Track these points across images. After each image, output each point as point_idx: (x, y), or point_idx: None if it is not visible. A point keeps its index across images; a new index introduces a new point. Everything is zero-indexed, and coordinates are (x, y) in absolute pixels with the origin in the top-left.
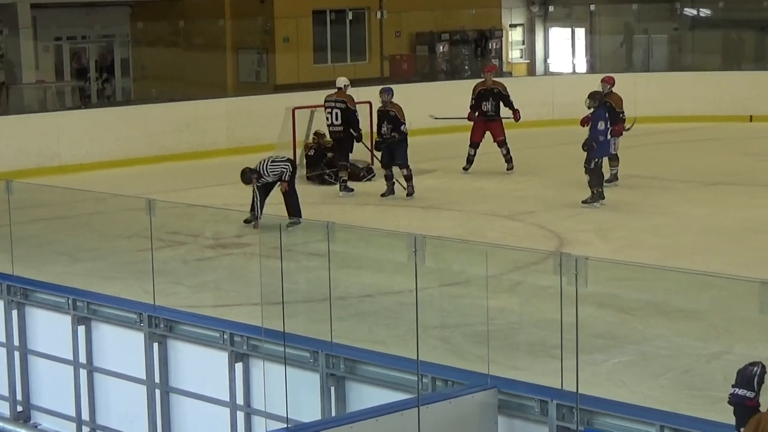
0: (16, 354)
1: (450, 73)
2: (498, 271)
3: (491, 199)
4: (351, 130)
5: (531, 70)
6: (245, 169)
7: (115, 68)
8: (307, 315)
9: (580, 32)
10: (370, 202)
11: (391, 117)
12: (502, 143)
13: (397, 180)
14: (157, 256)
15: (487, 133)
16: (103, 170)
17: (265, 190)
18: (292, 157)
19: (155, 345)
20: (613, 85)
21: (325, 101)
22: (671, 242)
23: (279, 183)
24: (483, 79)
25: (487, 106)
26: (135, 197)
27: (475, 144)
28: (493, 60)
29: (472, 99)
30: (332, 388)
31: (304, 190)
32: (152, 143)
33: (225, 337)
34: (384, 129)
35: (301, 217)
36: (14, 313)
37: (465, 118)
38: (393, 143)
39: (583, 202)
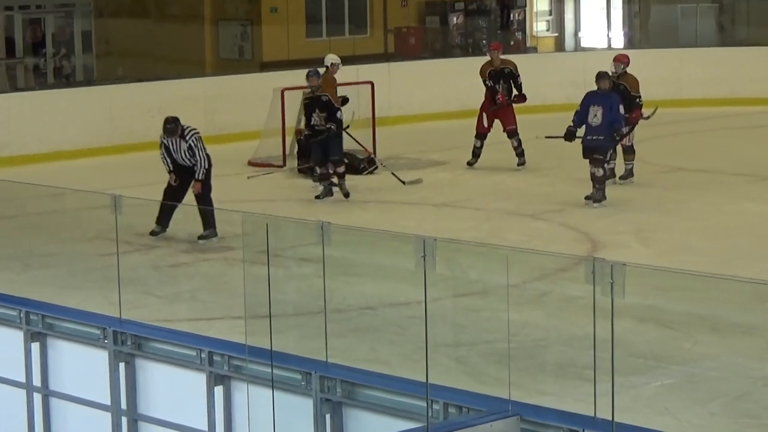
0: None
1: (465, 48)
2: (521, 280)
3: (513, 195)
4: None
5: (560, 45)
6: (172, 119)
7: (75, 43)
8: (298, 330)
9: (617, 1)
10: (371, 198)
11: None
12: (512, 133)
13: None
14: (124, 262)
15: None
16: (61, 162)
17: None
18: (283, 147)
19: (121, 365)
20: (628, 65)
21: (304, 99)
22: (724, 246)
23: (192, 182)
24: (489, 59)
25: (497, 87)
26: (98, 193)
27: (481, 135)
28: (516, 33)
29: (487, 81)
30: (327, 416)
31: (296, 184)
32: (118, 130)
33: (203, 356)
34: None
35: (215, 229)
36: None
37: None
38: (327, 136)
39: (588, 198)
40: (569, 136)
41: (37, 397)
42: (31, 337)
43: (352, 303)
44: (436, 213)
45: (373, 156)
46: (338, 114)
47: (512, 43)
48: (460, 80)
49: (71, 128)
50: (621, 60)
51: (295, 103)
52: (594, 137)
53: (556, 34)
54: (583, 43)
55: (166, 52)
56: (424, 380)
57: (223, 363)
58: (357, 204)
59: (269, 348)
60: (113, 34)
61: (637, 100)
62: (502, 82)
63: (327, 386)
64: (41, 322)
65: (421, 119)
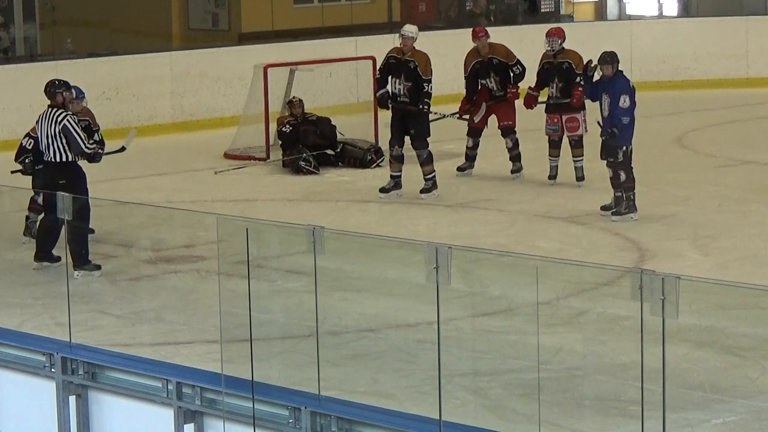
0: None
1: (487, 16)
2: (553, 296)
3: (544, 194)
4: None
5: (600, 13)
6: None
7: (14, 11)
8: (285, 357)
9: None
10: (373, 198)
11: (411, 70)
12: (508, 131)
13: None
14: (74, 274)
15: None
16: None
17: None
18: (267, 136)
19: (71, 399)
20: (564, 39)
21: (388, 58)
22: None
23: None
24: (474, 47)
25: (489, 83)
26: (42, 191)
27: (475, 132)
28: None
29: (466, 78)
30: None
31: (280, 181)
32: None
33: (170, 387)
34: (398, 87)
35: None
36: None
37: (457, 114)
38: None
39: (604, 207)
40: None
41: None
42: None
43: (350, 324)
44: (450, 215)
45: (379, 146)
46: (425, 87)
47: (545, 10)
48: None
49: (10, 113)
50: (557, 34)
51: (280, 82)
52: (604, 132)
53: (596, 0)
54: (629, 10)
55: (125, 22)
56: (437, 417)
57: (194, 396)
58: (355, 204)
59: (250, 378)
60: (60, 0)
61: (578, 79)
62: (493, 75)
63: (320, 424)
64: None
65: (432, 102)
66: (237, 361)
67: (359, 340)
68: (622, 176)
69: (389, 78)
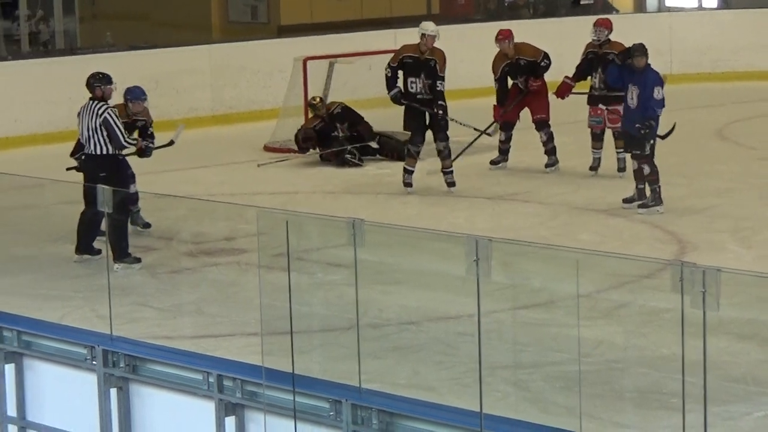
0: None
1: (527, 8)
2: (594, 289)
3: (585, 185)
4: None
5: (640, 5)
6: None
7: (54, 3)
8: (325, 350)
9: None
10: (414, 190)
11: (430, 68)
12: (542, 123)
13: None
14: (114, 267)
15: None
16: (38, 146)
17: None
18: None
19: (113, 391)
20: (611, 31)
21: (403, 58)
22: None
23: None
24: (499, 50)
25: (520, 83)
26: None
27: (507, 126)
28: None
29: (496, 80)
30: None
31: (321, 173)
32: None
33: (211, 380)
34: (417, 86)
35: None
36: None
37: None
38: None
39: (626, 200)
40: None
41: (12, 430)
42: (5, 357)
43: (391, 317)
44: (491, 208)
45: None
46: (439, 85)
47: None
48: None
49: (50, 106)
50: (604, 25)
51: (319, 75)
52: (630, 123)
53: None
54: (668, 2)
55: (165, 14)
56: (478, 409)
57: (235, 389)
58: (395, 197)
59: (290, 371)
60: None
61: None
62: (518, 75)
63: (360, 417)
64: (16, 339)
65: (471, 94)
66: (277, 354)
67: (400, 332)
68: (646, 169)
69: (404, 77)
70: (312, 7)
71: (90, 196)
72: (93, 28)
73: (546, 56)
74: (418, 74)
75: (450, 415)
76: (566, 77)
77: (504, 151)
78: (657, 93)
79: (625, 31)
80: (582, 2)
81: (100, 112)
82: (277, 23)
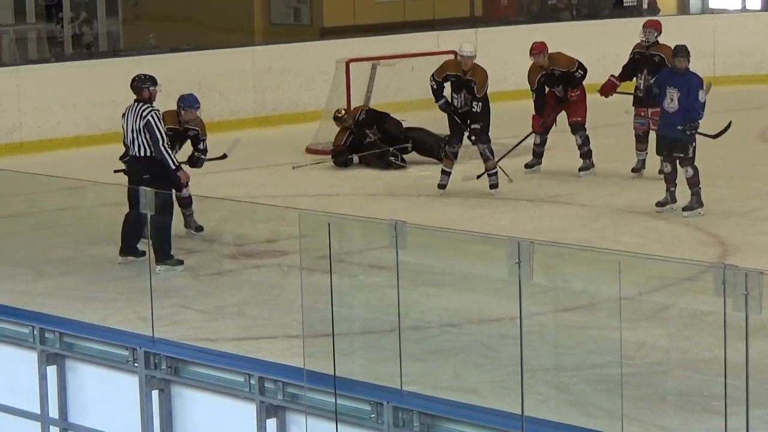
0: None
1: (569, 10)
2: (636, 291)
3: (627, 187)
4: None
5: (683, 7)
6: (144, 77)
7: (97, 6)
8: (367, 352)
9: None
10: (456, 192)
11: (469, 85)
12: (578, 127)
13: None
14: (157, 269)
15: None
16: (81, 148)
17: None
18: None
19: (154, 393)
20: (660, 32)
21: (447, 76)
22: None
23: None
24: (533, 62)
25: (557, 92)
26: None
27: (543, 130)
28: None
29: (533, 91)
30: None
31: (362, 176)
32: None
33: (252, 382)
34: (459, 100)
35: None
36: None
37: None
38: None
39: (660, 204)
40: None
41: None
42: (47, 359)
43: (432, 319)
44: (533, 210)
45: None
46: (476, 106)
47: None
48: (562, 50)
49: (93, 108)
50: (653, 26)
51: (362, 77)
52: (669, 127)
53: None
54: (712, 4)
55: (207, 17)
56: (519, 412)
57: (276, 391)
58: (437, 199)
59: (332, 373)
60: None
61: None
62: (554, 85)
63: (402, 419)
64: (58, 341)
65: (514, 96)
66: (319, 356)
67: (441, 335)
68: (689, 172)
69: (450, 90)
70: (355, 9)
71: (134, 198)
72: (136, 30)
73: (580, 66)
74: (460, 91)
75: (491, 417)
76: (612, 76)
77: (538, 154)
78: (701, 96)
79: (668, 33)
80: (625, 3)
81: (144, 114)
82: (320, 25)
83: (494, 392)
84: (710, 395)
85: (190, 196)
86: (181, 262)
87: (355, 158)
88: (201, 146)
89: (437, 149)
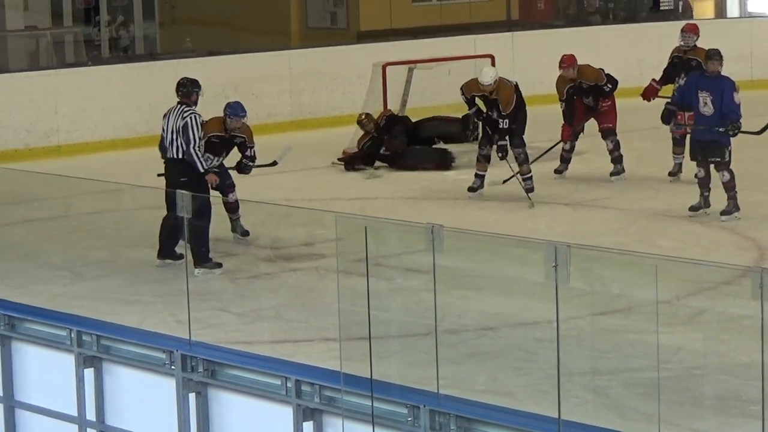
0: None
1: (606, 14)
2: (673, 295)
3: (664, 191)
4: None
5: (721, 11)
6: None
7: (134, 9)
8: (403, 355)
9: None
10: (492, 196)
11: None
12: (608, 132)
13: None
14: (194, 272)
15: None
16: (118, 151)
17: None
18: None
19: (191, 396)
20: (699, 36)
21: (473, 96)
22: None
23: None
24: (560, 73)
25: (586, 101)
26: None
27: (572, 134)
28: None
29: (561, 101)
30: None
31: (399, 179)
32: None
33: (289, 385)
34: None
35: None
36: None
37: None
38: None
39: (693, 208)
40: (667, 116)
41: None
42: (84, 361)
43: (469, 323)
44: (570, 214)
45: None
46: (502, 123)
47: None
48: (598, 53)
49: (130, 111)
50: (692, 30)
51: (398, 80)
52: (704, 131)
53: None
54: (750, 8)
55: (244, 20)
56: (556, 416)
57: (313, 394)
58: (474, 203)
59: (369, 376)
60: None
61: None
62: (583, 96)
63: (439, 422)
64: (96, 344)
65: (551, 100)
66: (356, 359)
67: (478, 338)
68: (726, 176)
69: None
70: (391, 12)
71: (171, 201)
72: (173, 34)
73: (609, 79)
74: (490, 108)
75: (528, 421)
76: (653, 80)
77: (567, 159)
78: (736, 97)
79: (706, 37)
80: (662, 7)
81: (185, 115)
82: (357, 29)
83: (531, 395)
84: (747, 399)
85: (236, 201)
86: (219, 265)
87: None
88: (249, 153)
89: (462, 131)
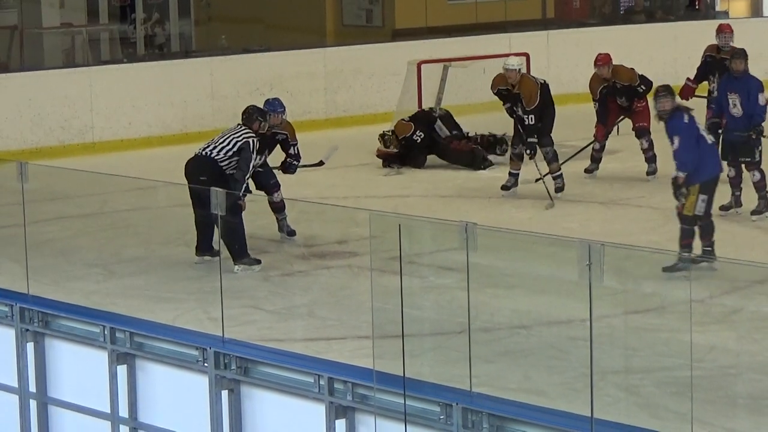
0: (32, 404)
1: (641, 12)
2: (707, 294)
3: None
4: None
5: (756, 9)
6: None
7: (169, 6)
8: (436, 353)
9: None
10: (527, 194)
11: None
12: (643, 131)
13: None
14: (228, 270)
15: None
16: (153, 149)
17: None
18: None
19: (224, 393)
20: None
21: (498, 90)
22: None
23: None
24: (595, 73)
25: (620, 102)
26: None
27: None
28: None
29: (595, 101)
30: None
31: (433, 177)
32: (221, 111)
33: (322, 383)
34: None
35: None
36: (29, 347)
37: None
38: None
39: (723, 208)
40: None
41: (124, 430)
42: (117, 358)
43: (502, 321)
44: (604, 212)
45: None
46: (527, 119)
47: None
48: (633, 52)
49: (165, 108)
50: (728, 30)
51: (433, 79)
52: (735, 132)
53: None
54: None
55: (279, 18)
56: (589, 414)
57: (346, 392)
58: (508, 201)
59: (401, 374)
60: None
61: None
62: (616, 97)
63: (471, 420)
64: (129, 340)
65: (587, 99)
66: (388, 357)
67: (511, 336)
68: (756, 176)
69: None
70: (426, 10)
71: (196, 198)
72: (208, 31)
73: (643, 81)
74: (515, 103)
75: (560, 419)
76: (688, 79)
77: (597, 159)
78: (761, 99)
79: (740, 36)
80: (697, 6)
81: (245, 135)
82: (392, 27)
83: (563, 394)
84: None
85: (282, 201)
86: (258, 262)
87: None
88: (292, 151)
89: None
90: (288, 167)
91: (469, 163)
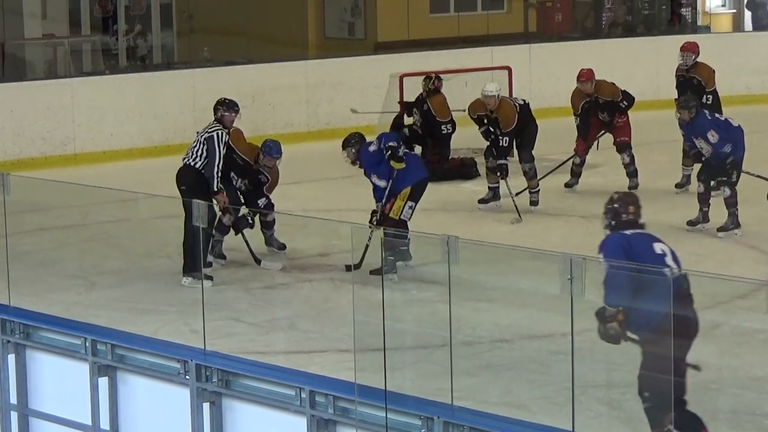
0: (13, 416)
1: (623, 26)
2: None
3: (680, 205)
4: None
5: (737, 24)
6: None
7: (152, 18)
8: (418, 367)
9: None
10: (508, 208)
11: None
12: (624, 146)
13: None
14: (209, 282)
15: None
16: (134, 161)
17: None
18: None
19: (206, 406)
20: (698, 54)
21: (478, 116)
22: None
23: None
24: (577, 87)
25: (602, 117)
26: (177, 199)
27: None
28: (683, 11)
29: (576, 115)
30: None
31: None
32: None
33: (303, 396)
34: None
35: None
36: (10, 358)
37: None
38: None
39: (691, 223)
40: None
41: None
42: (99, 370)
43: (484, 334)
44: (585, 226)
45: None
46: (502, 141)
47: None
48: (615, 66)
49: (147, 120)
50: (691, 49)
51: (415, 91)
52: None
53: (734, 11)
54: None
55: (261, 30)
56: (570, 428)
57: (327, 405)
58: (489, 215)
59: (383, 387)
60: (198, 8)
61: (704, 98)
62: (599, 112)
63: None
64: (110, 353)
65: (568, 112)
66: (370, 370)
67: (492, 350)
68: (726, 191)
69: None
70: (409, 23)
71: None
72: (190, 43)
73: (626, 97)
74: (494, 127)
75: None
76: (675, 99)
77: (577, 174)
78: (710, 137)
79: (722, 51)
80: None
81: (210, 129)
82: (374, 40)
83: (545, 408)
84: (762, 413)
85: (274, 220)
86: (210, 278)
87: None
88: (259, 202)
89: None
90: (240, 222)
91: (465, 175)
